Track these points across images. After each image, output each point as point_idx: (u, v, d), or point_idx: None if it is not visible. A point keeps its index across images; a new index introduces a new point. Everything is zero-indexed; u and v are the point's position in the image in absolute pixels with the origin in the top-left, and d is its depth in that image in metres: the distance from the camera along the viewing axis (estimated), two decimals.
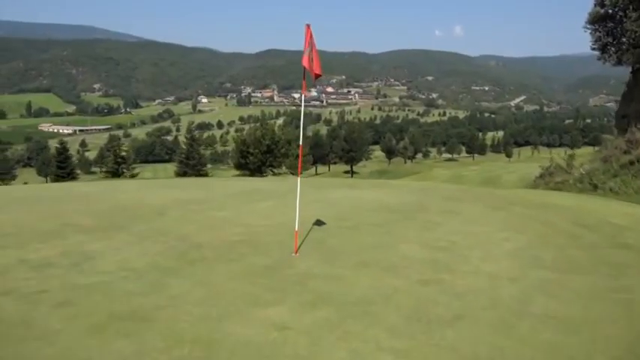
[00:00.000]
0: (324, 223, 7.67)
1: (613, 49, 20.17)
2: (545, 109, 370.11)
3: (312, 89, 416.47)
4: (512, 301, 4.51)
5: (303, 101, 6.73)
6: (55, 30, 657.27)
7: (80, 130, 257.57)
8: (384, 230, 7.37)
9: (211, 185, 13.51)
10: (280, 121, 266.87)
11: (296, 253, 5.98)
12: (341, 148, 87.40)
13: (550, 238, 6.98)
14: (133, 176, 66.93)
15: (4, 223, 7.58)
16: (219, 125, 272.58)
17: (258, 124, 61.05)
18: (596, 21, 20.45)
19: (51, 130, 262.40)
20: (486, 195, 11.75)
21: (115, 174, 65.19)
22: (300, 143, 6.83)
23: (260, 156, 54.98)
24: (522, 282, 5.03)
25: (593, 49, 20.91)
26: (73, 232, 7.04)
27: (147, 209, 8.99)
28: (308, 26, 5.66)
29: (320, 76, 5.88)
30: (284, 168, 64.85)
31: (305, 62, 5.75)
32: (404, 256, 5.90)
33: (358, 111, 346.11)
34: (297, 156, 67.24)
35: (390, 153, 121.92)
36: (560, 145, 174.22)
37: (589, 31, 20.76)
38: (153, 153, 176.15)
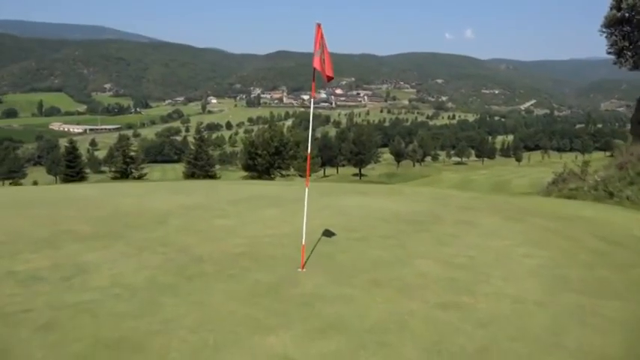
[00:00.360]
0: (332, 235, 7.26)
1: (629, 53, 19.61)
2: (556, 113, 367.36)
3: (321, 91, 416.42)
4: (542, 331, 4.07)
5: (312, 104, 6.32)
6: (67, 30, 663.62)
7: (90, 130, 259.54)
8: (397, 243, 6.94)
9: (216, 190, 13.13)
10: (289, 122, 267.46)
11: (302, 268, 5.57)
12: (349, 151, 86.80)
13: (575, 255, 6.52)
14: (140, 176, 67.11)
15: None
16: (228, 126, 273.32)
17: (266, 126, 60.70)
18: (612, 24, 19.88)
19: (61, 129, 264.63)
20: (502, 204, 11.28)
21: (124, 174, 65.36)
22: (309, 152, 6.42)
23: (268, 158, 54.66)
24: (551, 307, 4.58)
25: (609, 53, 20.34)
26: (68, 240, 6.69)
27: (148, 216, 8.63)
28: (319, 26, 5.25)
29: (332, 78, 5.49)
30: (292, 170, 64.50)
31: (316, 64, 5.34)
32: (419, 274, 5.47)
33: (367, 113, 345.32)
34: (305, 158, 66.98)
35: (399, 156, 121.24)
36: (571, 150, 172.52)
37: (604, 34, 20.19)
38: (162, 153, 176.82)
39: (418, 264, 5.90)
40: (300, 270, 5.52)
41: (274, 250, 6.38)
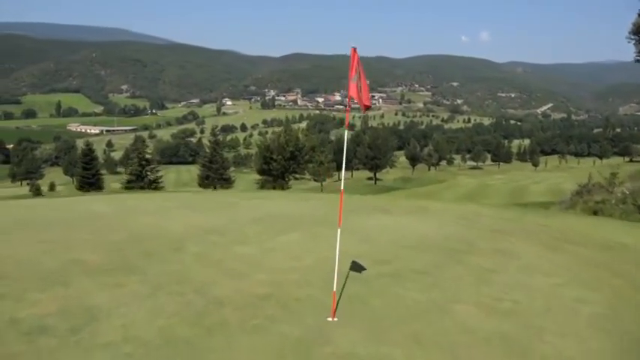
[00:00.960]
0: (362, 269, 6.71)
1: None
2: (573, 117, 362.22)
3: (336, 93, 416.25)
4: None
5: (346, 139, 5.77)
6: (85, 32, 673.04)
7: (107, 131, 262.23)
8: (432, 281, 6.37)
9: (233, 207, 12.63)
10: (304, 124, 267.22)
11: (333, 317, 5.03)
12: (365, 155, 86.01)
13: (631, 298, 5.89)
14: (156, 179, 67.31)
15: (5, 259, 6.84)
16: (243, 128, 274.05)
17: (282, 130, 60.23)
18: None
19: (79, 129, 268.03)
20: (536, 227, 10.62)
21: (139, 177, 65.52)
22: (342, 187, 5.88)
23: (283, 162, 54.23)
24: None
25: (637, 60, 19.66)
26: (79, 273, 6.25)
27: (164, 240, 8.17)
28: (354, 50, 4.73)
29: (370, 107, 4.94)
30: (307, 174, 64.00)
31: (353, 92, 4.81)
32: (463, 327, 4.90)
33: (382, 116, 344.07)
34: (321, 163, 66.54)
35: (414, 160, 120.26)
36: (589, 155, 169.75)
37: (632, 41, 19.50)
38: (177, 154, 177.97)
39: (459, 311, 5.33)
40: (330, 319, 4.99)
41: (300, 290, 5.84)
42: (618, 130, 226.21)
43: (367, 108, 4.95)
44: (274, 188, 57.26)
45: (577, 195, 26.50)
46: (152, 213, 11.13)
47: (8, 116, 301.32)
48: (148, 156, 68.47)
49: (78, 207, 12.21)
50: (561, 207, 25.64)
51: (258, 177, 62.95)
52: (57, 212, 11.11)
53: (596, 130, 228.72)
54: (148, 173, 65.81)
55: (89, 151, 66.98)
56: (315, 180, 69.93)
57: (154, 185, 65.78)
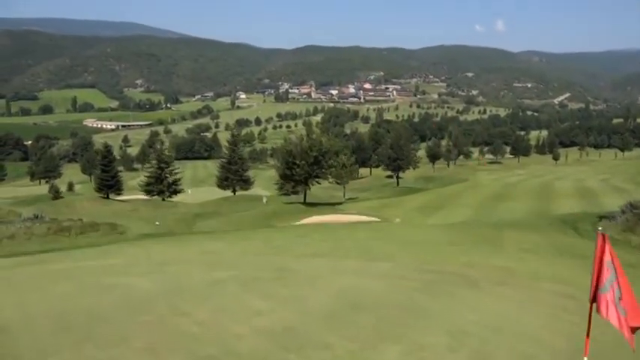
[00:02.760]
0: None
1: None
2: (591, 107, 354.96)
3: (350, 85, 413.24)
4: None
5: None
6: (100, 27, 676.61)
7: (123, 126, 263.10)
8: None
9: (291, 279, 10.89)
10: (318, 117, 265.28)
11: None
12: (387, 157, 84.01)
13: None
14: (175, 181, 66.42)
15: None
16: (257, 122, 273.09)
17: (304, 134, 58.45)
18: None
19: (95, 125, 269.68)
20: None
21: (158, 178, 64.68)
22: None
23: (307, 168, 52.65)
24: None
25: None
26: None
27: None
28: (603, 237, 2.91)
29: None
30: (330, 178, 62.38)
31: (611, 316, 2.79)
32: None
33: (396, 108, 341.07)
34: (343, 165, 64.78)
35: (435, 158, 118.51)
36: (609, 147, 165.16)
37: None
38: (192, 150, 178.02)
39: None
40: None
41: None
42: (639, 120, 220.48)
43: (634, 330, 3.01)
44: (294, 188, 55.76)
45: (635, 216, 24.54)
46: (201, 295, 9.53)
47: (25, 112, 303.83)
48: (166, 159, 67.66)
49: (115, 282, 10.69)
50: (614, 226, 23.66)
51: (275, 173, 61.43)
52: (94, 298, 9.55)
53: (615, 121, 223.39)
54: (167, 175, 65.03)
55: (107, 153, 66.20)
56: (337, 183, 68.43)
57: (173, 188, 64.95)
